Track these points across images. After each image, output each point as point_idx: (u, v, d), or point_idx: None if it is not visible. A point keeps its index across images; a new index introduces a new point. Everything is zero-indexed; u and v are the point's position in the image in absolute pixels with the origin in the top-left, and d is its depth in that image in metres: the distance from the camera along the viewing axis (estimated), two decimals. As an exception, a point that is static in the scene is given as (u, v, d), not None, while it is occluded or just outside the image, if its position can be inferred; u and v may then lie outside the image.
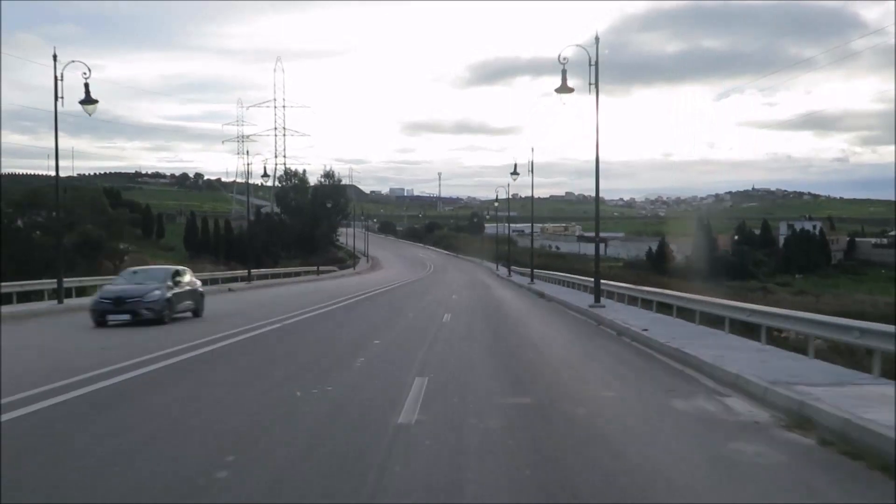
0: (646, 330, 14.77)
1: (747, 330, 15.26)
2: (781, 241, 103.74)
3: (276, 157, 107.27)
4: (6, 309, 20.69)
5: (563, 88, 20.29)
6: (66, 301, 23.29)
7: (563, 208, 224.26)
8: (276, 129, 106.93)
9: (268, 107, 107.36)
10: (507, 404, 7.82)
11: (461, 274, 63.48)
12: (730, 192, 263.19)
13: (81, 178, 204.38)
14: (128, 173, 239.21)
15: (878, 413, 6.58)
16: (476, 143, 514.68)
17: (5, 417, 6.87)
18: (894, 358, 9.47)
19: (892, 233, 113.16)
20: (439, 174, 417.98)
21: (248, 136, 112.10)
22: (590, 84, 20.01)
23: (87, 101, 21.78)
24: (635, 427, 6.88)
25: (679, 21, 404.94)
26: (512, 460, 5.56)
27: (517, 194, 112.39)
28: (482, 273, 68.10)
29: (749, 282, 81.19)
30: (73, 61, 22.72)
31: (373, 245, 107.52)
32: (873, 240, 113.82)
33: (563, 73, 20.15)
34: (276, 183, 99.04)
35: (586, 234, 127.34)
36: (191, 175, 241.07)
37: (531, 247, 50.65)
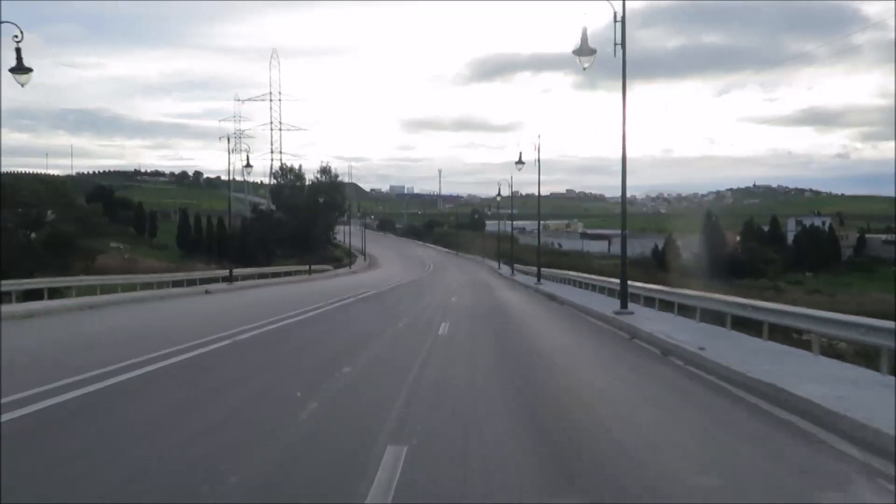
0: (702, 349, 11.16)
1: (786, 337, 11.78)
2: (790, 238, 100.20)
3: (271, 152, 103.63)
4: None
5: (584, 50, 16.70)
6: (26, 304, 20.90)
7: (564, 205, 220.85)
8: (271, 123, 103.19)
9: (263, 100, 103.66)
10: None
11: (462, 273, 59.84)
12: (731, 189, 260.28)
13: (80, 176, 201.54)
14: (127, 172, 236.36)
15: None
16: (476, 140, 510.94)
17: None
18: None
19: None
20: (439, 171, 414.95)
21: (243, 132, 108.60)
22: (615, 44, 16.36)
23: (19, 69, 18.17)
24: None
25: (679, 17, 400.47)
26: None
27: (518, 192, 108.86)
28: (483, 272, 64.48)
29: (758, 280, 77.76)
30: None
31: (371, 243, 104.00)
32: (883, 236, 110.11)
33: (584, 31, 16.57)
34: (272, 179, 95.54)
35: (590, 231, 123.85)
36: (190, 173, 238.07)
37: (538, 244, 46.83)
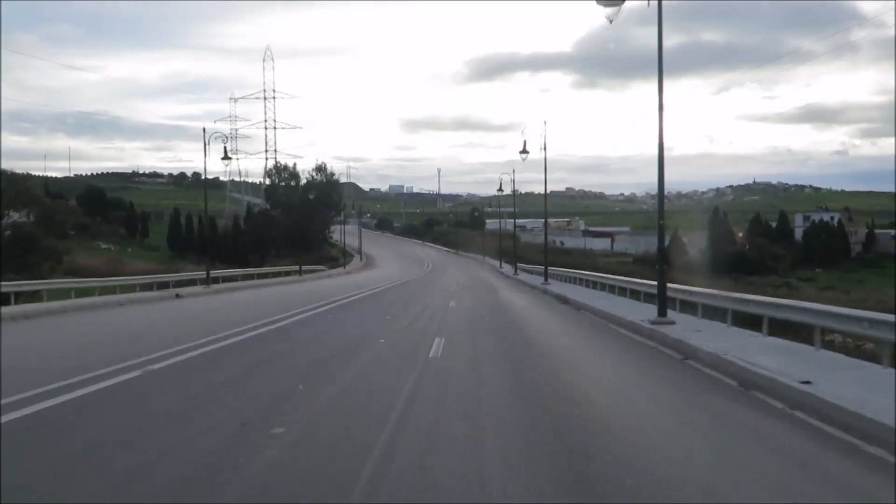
0: (807, 383, 7.57)
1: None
2: (797, 233, 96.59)
3: (266, 150, 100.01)
4: None
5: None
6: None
7: (564, 203, 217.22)
8: (265, 121, 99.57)
9: (257, 97, 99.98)
10: None
11: (461, 273, 56.17)
12: (731, 186, 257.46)
13: (78, 178, 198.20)
14: (125, 173, 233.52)
15: None
16: (475, 139, 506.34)
17: None
18: None
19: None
20: (438, 170, 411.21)
21: (237, 130, 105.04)
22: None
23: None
24: None
25: (678, 14, 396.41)
26: None
27: (518, 190, 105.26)
28: (485, 271, 60.81)
29: (768, 277, 74.25)
30: None
31: (369, 242, 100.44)
32: (893, 231, 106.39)
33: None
34: (266, 178, 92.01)
35: (592, 229, 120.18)
36: (188, 174, 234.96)
37: (545, 241, 43.01)
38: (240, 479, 4.81)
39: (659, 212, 14.49)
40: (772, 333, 11.86)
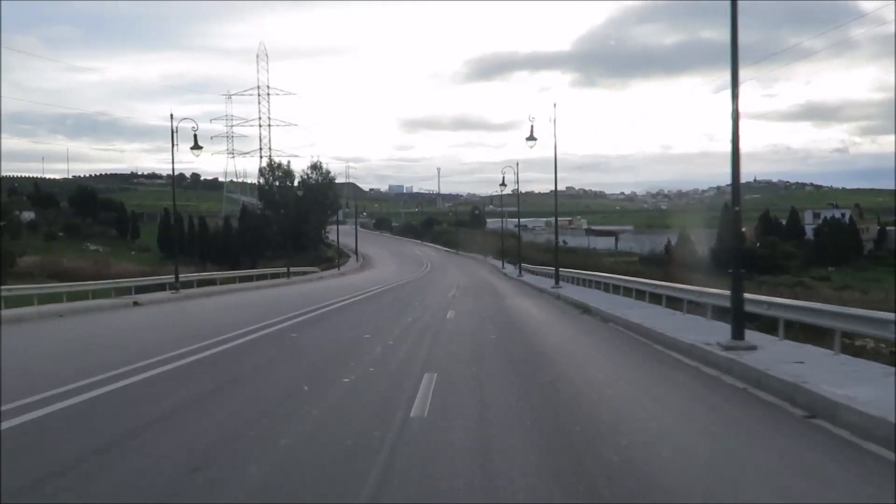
0: None
1: None
2: (807, 231, 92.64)
3: (260, 149, 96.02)
4: None
5: None
6: None
7: (565, 202, 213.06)
8: (259, 119, 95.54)
9: (251, 94, 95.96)
10: None
11: (462, 273, 52.10)
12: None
13: (75, 179, 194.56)
14: (123, 174, 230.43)
15: None
16: (475, 139, 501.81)
17: None
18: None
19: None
20: (438, 170, 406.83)
21: (233, 126, 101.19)
22: None
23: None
24: None
25: (676, 12, 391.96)
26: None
27: (517, 189, 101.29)
28: (486, 272, 56.74)
29: (781, 276, 70.33)
30: None
31: (366, 242, 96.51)
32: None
33: None
34: (260, 177, 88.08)
35: (595, 228, 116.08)
36: (187, 175, 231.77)
37: (555, 239, 38.61)
38: None
39: (734, 197, 10.50)
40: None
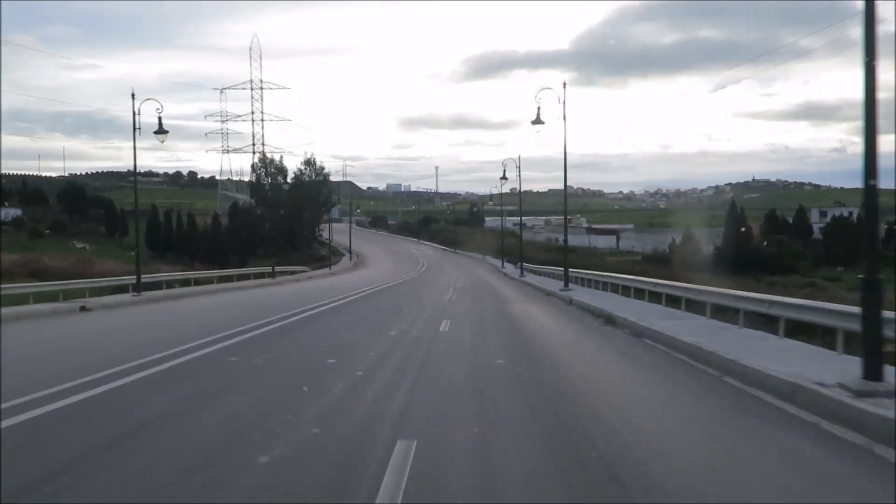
0: None
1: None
2: (814, 230, 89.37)
3: (253, 144, 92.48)
4: None
5: None
6: None
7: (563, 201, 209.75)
8: (252, 114, 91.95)
9: (244, 89, 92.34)
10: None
11: (460, 273, 48.58)
12: (730, 184, 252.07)
13: (72, 177, 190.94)
14: (120, 172, 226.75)
15: None
16: (473, 137, 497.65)
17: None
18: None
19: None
20: (436, 168, 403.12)
21: (225, 122, 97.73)
22: None
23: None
24: None
25: (675, 11, 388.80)
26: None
27: (516, 188, 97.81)
28: (486, 272, 53.21)
29: (790, 277, 67.05)
30: None
31: (362, 241, 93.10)
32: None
33: None
34: (252, 173, 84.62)
35: (596, 226, 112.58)
36: (184, 173, 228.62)
37: (565, 236, 34.90)
38: None
39: (868, 165, 7.01)
40: None
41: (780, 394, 7.35)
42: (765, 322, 13.36)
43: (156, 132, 25.67)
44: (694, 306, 15.72)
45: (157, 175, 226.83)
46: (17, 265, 55.99)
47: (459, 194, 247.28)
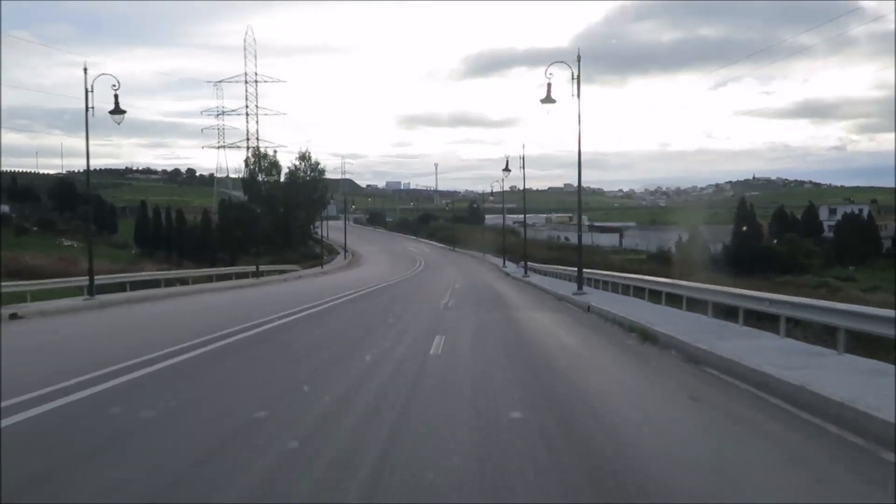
0: None
1: None
2: (824, 227, 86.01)
3: (247, 139, 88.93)
4: None
5: None
6: None
7: (564, 199, 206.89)
8: (247, 107, 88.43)
9: (237, 81, 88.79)
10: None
11: (459, 273, 45.06)
12: (730, 182, 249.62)
13: (70, 174, 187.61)
14: (118, 169, 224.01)
15: None
16: (473, 136, 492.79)
17: None
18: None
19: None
20: (435, 165, 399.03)
21: (219, 115, 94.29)
22: None
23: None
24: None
25: (674, 9, 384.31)
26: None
27: (515, 186, 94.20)
28: (487, 271, 49.71)
29: (802, 276, 63.68)
30: None
31: (359, 239, 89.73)
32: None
33: None
34: (245, 168, 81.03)
35: (598, 224, 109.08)
36: (183, 171, 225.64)
37: (579, 234, 30.76)
38: None
39: None
40: None
41: None
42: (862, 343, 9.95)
43: (111, 112, 22.23)
44: (748, 317, 12.33)
45: (155, 172, 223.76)
46: (-5, 263, 52.73)
47: (459, 192, 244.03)
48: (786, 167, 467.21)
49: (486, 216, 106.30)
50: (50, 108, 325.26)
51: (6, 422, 6.03)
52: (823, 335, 10.76)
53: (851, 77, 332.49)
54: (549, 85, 21.95)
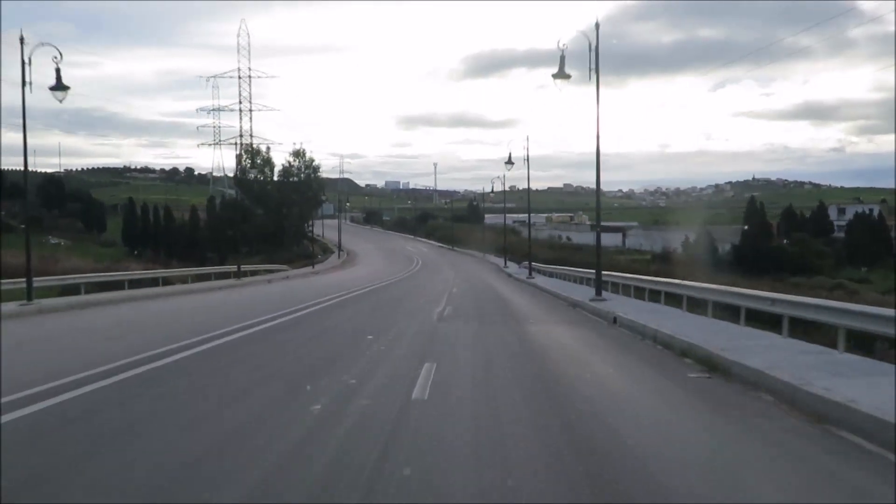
0: None
1: None
2: (835, 227, 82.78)
3: (241, 136, 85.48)
4: None
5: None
6: None
7: (564, 199, 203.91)
8: (240, 103, 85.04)
9: (231, 77, 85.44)
10: None
11: (458, 275, 41.62)
12: (730, 183, 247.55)
13: (67, 173, 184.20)
14: (116, 168, 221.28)
15: None
16: (472, 136, 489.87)
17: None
18: None
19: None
20: (435, 165, 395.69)
21: (213, 111, 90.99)
22: None
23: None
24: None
25: (674, 11, 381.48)
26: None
27: (515, 186, 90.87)
28: (487, 272, 46.29)
29: (814, 278, 60.48)
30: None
31: (355, 237, 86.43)
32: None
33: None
34: (237, 165, 77.65)
35: (601, 224, 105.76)
36: (181, 169, 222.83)
37: (597, 233, 27.30)
38: None
39: None
40: None
41: None
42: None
43: (52, 88, 18.84)
44: (810, 330, 9.07)
45: (153, 171, 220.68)
46: (-25, 262, 49.55)
47: (458, 192, 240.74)
48: (785, 168, 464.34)
49: (486, 215, 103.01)
50: (48, 108, 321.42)
51: None
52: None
53: (851, 79, 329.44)
54: (562, 57, 18.56)
